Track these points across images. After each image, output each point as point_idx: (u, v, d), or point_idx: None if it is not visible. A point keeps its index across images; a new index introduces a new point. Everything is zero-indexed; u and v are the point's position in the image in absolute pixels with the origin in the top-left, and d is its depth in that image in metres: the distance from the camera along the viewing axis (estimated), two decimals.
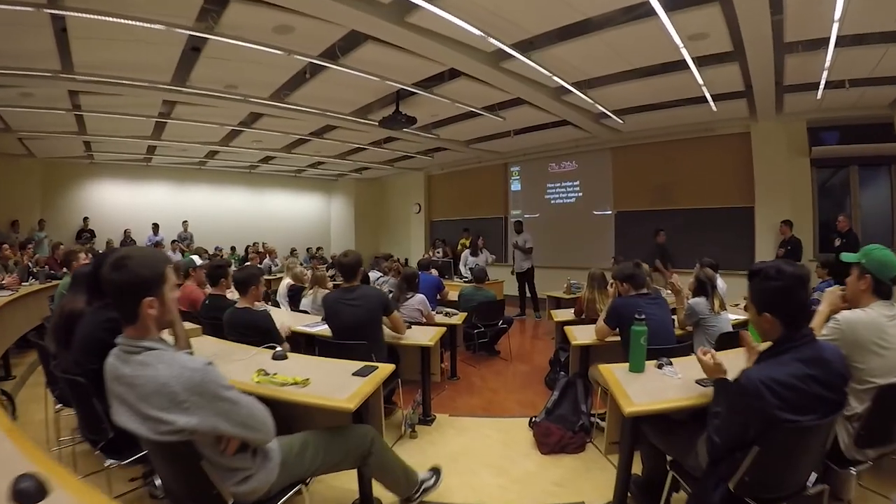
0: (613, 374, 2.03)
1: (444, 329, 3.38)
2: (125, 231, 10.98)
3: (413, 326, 3.39)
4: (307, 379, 1.92)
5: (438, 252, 9.83)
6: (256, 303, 3.22)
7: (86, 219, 10.86)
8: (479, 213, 11.20)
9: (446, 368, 4.53)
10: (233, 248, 11.56)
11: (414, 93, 6.06)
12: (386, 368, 2.12)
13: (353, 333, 2.90)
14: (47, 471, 0.97)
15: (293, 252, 10.52)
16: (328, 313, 3.12)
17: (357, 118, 7.12)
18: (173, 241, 10.69)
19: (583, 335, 3.16)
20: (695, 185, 8.13)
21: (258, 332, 2.91)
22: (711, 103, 6.45)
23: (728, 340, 3.10)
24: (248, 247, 11.21)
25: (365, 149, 9.68)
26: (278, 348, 2.42)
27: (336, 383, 1.97)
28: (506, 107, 6.80)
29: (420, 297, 3.95)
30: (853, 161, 7.21)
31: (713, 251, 7.68)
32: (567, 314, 4.41)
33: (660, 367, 2.10)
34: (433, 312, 4.31)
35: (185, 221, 11.66)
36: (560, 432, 2.87)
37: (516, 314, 7.78)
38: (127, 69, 5.47)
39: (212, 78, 5.86)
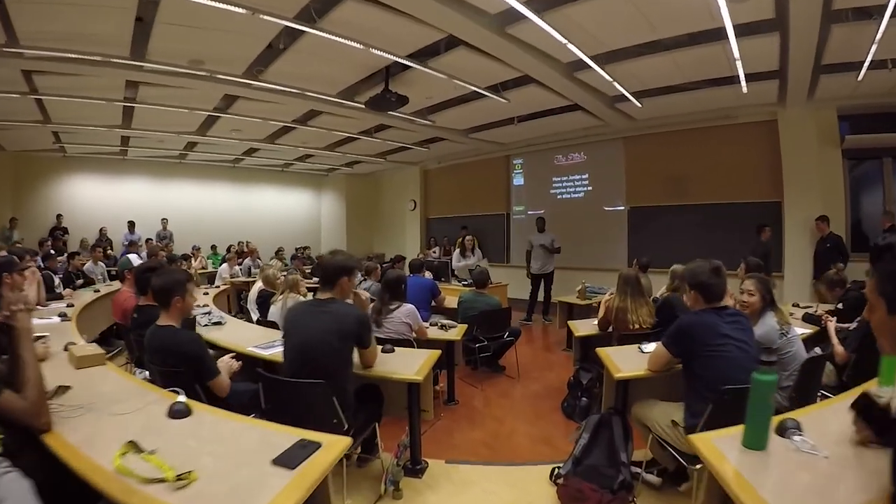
0: (725, 457, 1.21)
1: (439, 353, 2.58)
2: (101, 230, 10.36)
3: (396, 349, 2.59)
4: (190, 472, 1.12)
5: (434, 251, 9.04)
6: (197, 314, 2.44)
7: (59, 216, 10.25)
8: (479, 209, 10.44)
9: (442, 391, 3.77)
10: (213, 248, 10.82)
11: (406, 67, 5.27)
12: (336, 446, 1.32)
13: (308, 359, 2.11)
14: None
15: (278, 252, 9.72)
16: (286, 326, 2.33)
17: (343, 100, 6.32)
18: (147, 240, 9.91)
19: (627, 363, 2.36)
20: (715, 177, 7.43)
21: (184, 359, 2.15)
22: (743, 82, 5.69)
23: (813, 370, 2.35)
24: (230, 246, 10.45)
25: (355, 139, 8.89)
26: (180, 398, 1.63)
27: (238, 483, 1.17)
28: (510, 87, 6.02)
29: (408, 307, 3.16)
30: (888, 152, 6.50)
31: (737, 250, 7.05)
32: (588, 326, 3.64)
33: (787, 436, 1.32)
34: (426, 325, 3.55)
35: (165, 219, 11.00)
36: (597, 496, 2.10)
37: (522, 319, 7.05)
38: (77, 41, 4.73)
39: (173, 51, 5.10)
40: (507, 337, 4.33)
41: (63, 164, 10.45)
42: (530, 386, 4.26)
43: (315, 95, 6.18)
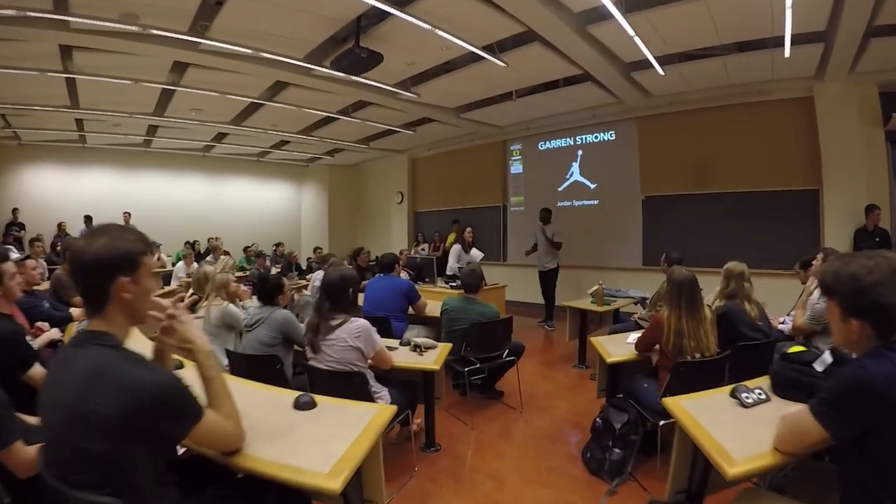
0: None
1: (394, 410, 1.51)
2: (59, 225, 9.43)
3: (321, 403, 1.53)
4: None
5: (423, 248, 8.03)
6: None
7: (15, 210, 9.29)
8: (473, 201, 9.43)
9: (420, 431, 2.78)
10: (193, 244, 9.82)
11: (381, 18, 4.28)
12: None
13: (54, 463, 0.99)
14: None
15: (246, 249, 8.66)
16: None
17: (310, 64, 5.29)
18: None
19: (729, 430, 1.32)
20: (742, 162, 6.47)
21: None
22: (787, 42, 4.74)
23: None
24: (188, 242, 9.41)
25: (333, 119, 7.86)
26: None
27: None
28: (509, 47, 5.01)
29: (359, 323, 2.12)
30: None
31: (769, 244, 6.14)
32: (622, 347, 2.64)
33: None
34: (394, 345, 2.55)
35: (128, 213, 9.91)
36: None
37: (540, 321, 6.27)
38: None
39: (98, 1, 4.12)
40: (507, 356, 3.31)
41: (19, 153, 9.51)
42: (536, 420, 3.25)
43: (275, 58, 5.14)
